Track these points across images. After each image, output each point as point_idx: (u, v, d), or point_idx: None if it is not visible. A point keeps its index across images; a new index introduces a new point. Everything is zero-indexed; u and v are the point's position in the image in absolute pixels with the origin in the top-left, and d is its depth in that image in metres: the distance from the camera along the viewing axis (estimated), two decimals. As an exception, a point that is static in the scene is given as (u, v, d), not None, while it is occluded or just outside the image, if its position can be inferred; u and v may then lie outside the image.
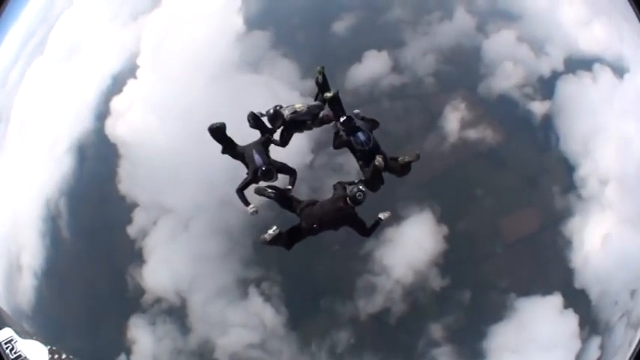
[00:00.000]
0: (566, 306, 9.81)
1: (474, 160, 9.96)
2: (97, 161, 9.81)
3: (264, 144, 5.41)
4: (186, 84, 9.18)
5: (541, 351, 9.82)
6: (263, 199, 5.26)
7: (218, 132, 5.31)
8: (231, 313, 8.73)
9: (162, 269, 9.10)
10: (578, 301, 9.81)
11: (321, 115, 5.53)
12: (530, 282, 10.11)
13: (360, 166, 5.31)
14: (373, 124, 5.44)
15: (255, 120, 5.45)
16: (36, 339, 5.10)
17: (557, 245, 10.68)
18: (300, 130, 5.53)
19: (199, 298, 8.85)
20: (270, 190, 5.18)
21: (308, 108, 5.46)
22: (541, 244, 10.24)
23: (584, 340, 9.55)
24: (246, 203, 5.24)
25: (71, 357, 5.08)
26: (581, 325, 9.58)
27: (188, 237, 9.01)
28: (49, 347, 5.04)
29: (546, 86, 11.08)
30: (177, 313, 9.22)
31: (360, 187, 4.81)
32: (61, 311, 9.53)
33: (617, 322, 9.49)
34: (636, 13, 7.09)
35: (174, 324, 9.19)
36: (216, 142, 5.35)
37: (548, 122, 10.82)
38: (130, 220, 9.54)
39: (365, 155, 5.18)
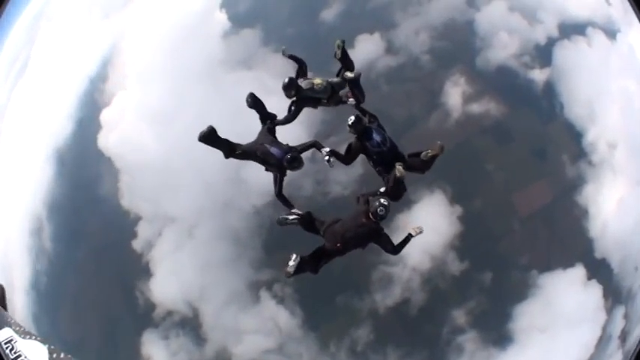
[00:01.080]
0: (589, 277, 9.32)
1: (480, 135, 9.48)
2: (95, 178, 9.38)
3: (271, 133, 4.90)
4: (173, 86, 8.77)
5: (569, 327, 9.27)
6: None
7: (210, 138, 4.79)
8: (245, 319, 8.25)
9: (170, 281, 8.65)
10: (600, 271, 9.31)
11: (340, 93, 5.08)
12: (550, 256, 9.60)
13: (379, 172, 4.84)
14: (372, 118, 4.97)
15: (253, 100, 4.98)
16: (36, 339, 4.85)
17: (574, 215, 10.19)
18: (315, 107, 5.09)
19: (211, 306, 8.38)
20: (291, 218, 4.74)
21: (327, 84, 5.01)
22: (557, 215, 9.74)
23: (609, 310, 9.05)
24: (290, 206, 4.79)
25: (69, 356, 4.76)
26: (605, 295, 9.11)
27: (194, 245, 8.58)
28: (48, 346, 4.79)
29: (544, 53, 10.61)
30: (190, 325, 8.75)
31: (382, 200, 4.38)
32: (74, 334, 9.13)
33: (639, 289, 8.99)
34: (636, 13, 6.74)
35: (188, 336, 8.73)
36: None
37: (550, 90, 10.33)
38: (134, 234, 9.11)
39: (383, 158, 4.74)
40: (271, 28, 9.66)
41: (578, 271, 9.49)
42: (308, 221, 4.65)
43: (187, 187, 8.43)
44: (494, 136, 9.57)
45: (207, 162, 8.24)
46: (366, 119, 4.87)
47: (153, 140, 8.67)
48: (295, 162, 4.66)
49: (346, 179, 8.48)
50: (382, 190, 4.75)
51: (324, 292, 8.33)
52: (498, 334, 9.22)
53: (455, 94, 9.53)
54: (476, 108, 9.52)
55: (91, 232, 9.36)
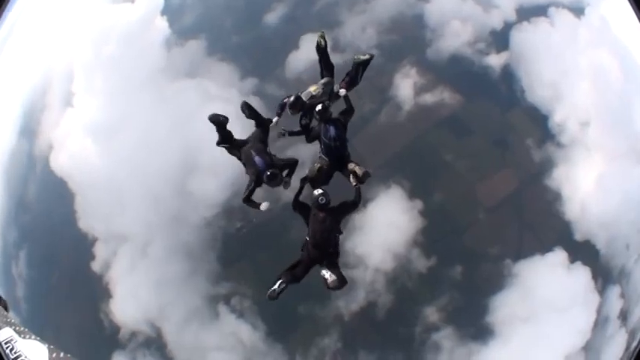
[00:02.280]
0: (572, 260, 8.86)
1: (436, 127, 9.08)
2: (49, 201, 9.16)
3: (262, 139, 4.91)
4: (116, 99, 8.49)
5: (556, 312, 8.79)
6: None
7: (220, 125, 4.88)
8: (207, 335, 7.89)
9: (130, 301, 8.33)
10: (584, 253, 8.86)
11: (336, 88, 5.16)
12: (522, 244, 9.14)
13: (319, 158, 5.01)
14: (348, 115, 5.04)
15: (249, 109, 5.01)
16: (36, 339, 4.88)
17: (545, 200, 9.76)
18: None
19: (172, 325, 8.02)
20: (278, 286, 4.84)
21: (323, 88, 5.12)
22: (525, 201, 9.30)
23: (601, 292, 8.60)
24: (257, 207, 4.79)
25: (69, 356, 4.80)
26: (595, 277, 8.65)
27: (148, 263, 8.25)
28: (47, 346, 4.82)
29: (500, 38, 10.23)
30: (155, 345, 8.40)
31: (315, 192, 4.64)
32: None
33: (635, 265, 8.56)
34: (636, 13, 6.63)
35: (155, 356, 8.38)
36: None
37: (509, 75, 9.94)
38: (92, 256, 8.85)
39: (329, 150, 4.92)
40: (214, 35, 9.40)
41: (558, 256, 9.00)
42: (297, 276, 4.88)
43: (135, 202, 8.15)
44: (451, 127, 9.14)
45: (152, 175, 8.00)
46: (331, 111, 4.97)
47: (99, 156, 8.38)
48: (274, 180, 4.71)
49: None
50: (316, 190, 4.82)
51: (284, 302, 7.91)
52: (476, 328, 8.73)
53: (406, 87, 9.16)
54: (429, 100, 9.14)
55: (51, 256, 9.13)
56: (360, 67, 5.19)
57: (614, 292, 8.48)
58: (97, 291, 9.06)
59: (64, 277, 9.62)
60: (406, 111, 8.89)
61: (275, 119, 5.13)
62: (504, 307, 8.98)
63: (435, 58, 9.51)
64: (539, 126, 9.90)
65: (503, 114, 9.58)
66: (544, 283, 8.84)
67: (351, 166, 4.92)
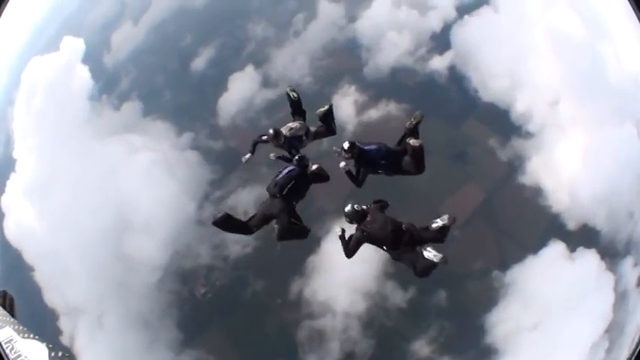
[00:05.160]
0: (572, 249, 7.85)
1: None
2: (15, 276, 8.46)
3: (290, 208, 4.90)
4: (44, 156, 7.76)
5: (572, 307, 7.65)
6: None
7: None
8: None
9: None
10: (582, 237, 7.90)
11: (312, 130, 5.38)
12: (507, 249, 8.08)
13: (387, 173, 5.14)
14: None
15: (225, 222, 4.94)
16: (36, 338, 4.85)
17: (524, 197, 8.71)
18: (300, 146, 5.32)
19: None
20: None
21: (300, 124, 5.32)
22: (501, 205, 8.32)
23: (614, 269, 7.57)
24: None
25: (68, 355, 4.87)
26: (602, 257, 7.62)
27: (106, 335, 7.34)
28: (47, 346, 4.79)
29: (442, 39, 9.53)
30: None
31: (348, 208, 4.64)
32: None
33: None
34: (636, 13, 6.35)
35: None
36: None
37: (456, 74, 9.14)
38: (60, 331, 8.10)
39: (389, 155, 5.00)
40: (139, 83, 8.80)
41: (555, 249, 7.97)
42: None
43: (80, 270, 7.33)
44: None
45: (89, 237, 7.27)
46: (357, 146, 4.99)
47: (38, 219, 7.59)
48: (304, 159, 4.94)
49: (244, 238, 7.28)
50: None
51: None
52: (477, 351, 7.59)
53: (346, 107, 8.46)
54: (374, 117, 8.43)
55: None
56: (326, 119, 5.33)
57: (627, 263, 7.51)
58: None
59: None
60: (350, 132, 8.10)
61: (247, 156, 5.23)
62: (505, 321, 7.84)
63: (374, 75, 8.84)
64: (501, 122, 9.05)
65: (458, 116, 8.73)
66: (543, 282, 7.73)
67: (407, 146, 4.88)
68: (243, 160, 5.21)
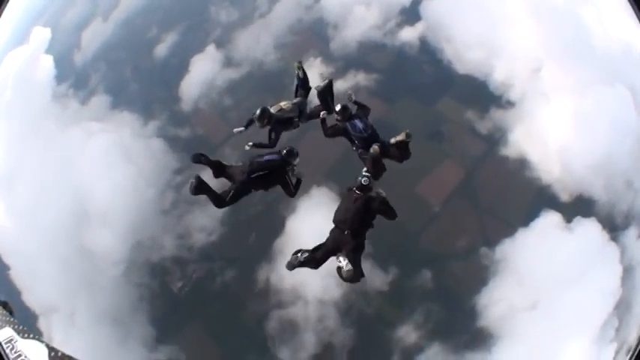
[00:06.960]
0: (568, 219, 7.24)
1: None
2: None
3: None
4: (10, 148, 7.27)
5: (573, 282, 6.98)
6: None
7: (201, 188, 4.62)
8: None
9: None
10: (579, 207, 7.31)
11: (309, 110, 5.25)
12: (492, 224, 7.39)
13: (359, 155, 5.08)
14: (365, 110, 5.15)
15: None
16: (36, 338, 4.84)
17: (509, 170, 8.07)
18: (287, 129, 5.15)
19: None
20: (302, 254, 4.56)
21: (293, 104, 5.15)
22: (484, 180, 7.65)
23: (617, 239, 7.00)
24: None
25: (68, 355, 4.82)
26: (604, 226, 7.02)
27: (78, 333, 6.74)
28: (47, 345, 4.76)
29: (411, 11, 9.03)
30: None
31: (364, 173, 4.67)
32: None
33: None
34: (636, 13, 6.26)
35: None
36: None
37: (428, 47, 8.63)
38: (40, 332, 7.41)
39: (364, 143, 4.97)
40: (104, 73, 8.37)
41: (549, 219, 7.34)
42: (321, 258, 4.53)
43: (47, 267, 6.81)
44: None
45: (51, 230, 6.71)
46: (350, 109, 5.03)
47: (5, 214, 7.05)
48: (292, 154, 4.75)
49: (210, 223, 6.71)
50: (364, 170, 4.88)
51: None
52: (470, 335, 6.83)
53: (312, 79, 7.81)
54: (341, 88, 7.79)
55: None
56: (325, 95, 5.16)
57: (631, 234, 6.96)
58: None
59: None
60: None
61: (240, 129, 5.10)
62: (498, 301, 7.06)
63: (342, 50, 8.28)
64: (479, 94, 8.46)
65: (433, 95, 8.11)
66: (538, 256, 7.05)
67: (392, 140, 4.88)
68: (235, 131, 5.11)
